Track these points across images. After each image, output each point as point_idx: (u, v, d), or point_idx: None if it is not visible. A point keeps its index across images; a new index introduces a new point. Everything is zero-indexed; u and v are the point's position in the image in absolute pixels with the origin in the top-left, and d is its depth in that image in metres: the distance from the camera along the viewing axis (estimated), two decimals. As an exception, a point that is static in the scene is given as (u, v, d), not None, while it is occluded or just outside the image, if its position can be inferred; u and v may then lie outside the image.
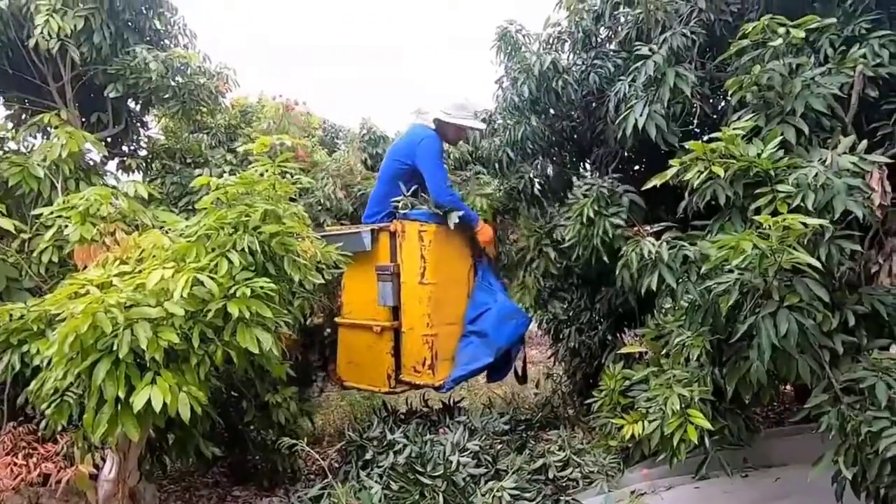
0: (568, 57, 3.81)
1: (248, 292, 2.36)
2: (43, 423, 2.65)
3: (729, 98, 2.80)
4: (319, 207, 4.46)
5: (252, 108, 5.46)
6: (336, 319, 4.07)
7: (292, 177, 2.92)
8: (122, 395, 2.18)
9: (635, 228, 3.08)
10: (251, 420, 3.40)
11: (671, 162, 2.57)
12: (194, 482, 3.73)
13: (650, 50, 3.04)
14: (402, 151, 3.89)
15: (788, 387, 3.93)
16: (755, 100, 2.62)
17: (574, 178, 3.76)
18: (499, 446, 3.34)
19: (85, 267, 2.69)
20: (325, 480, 3.16)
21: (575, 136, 3.98)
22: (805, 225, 2.10)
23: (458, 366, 3.67)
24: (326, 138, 6.57)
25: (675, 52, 3.01)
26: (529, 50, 3.81)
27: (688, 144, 2.51)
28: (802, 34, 2.50)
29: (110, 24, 3.86)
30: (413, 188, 3.80)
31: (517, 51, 3.87)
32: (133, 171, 4.41)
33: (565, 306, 4.41)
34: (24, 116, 4.15)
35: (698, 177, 2.45)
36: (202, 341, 2.33)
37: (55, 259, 2.97)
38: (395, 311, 3.72)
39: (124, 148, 4.60)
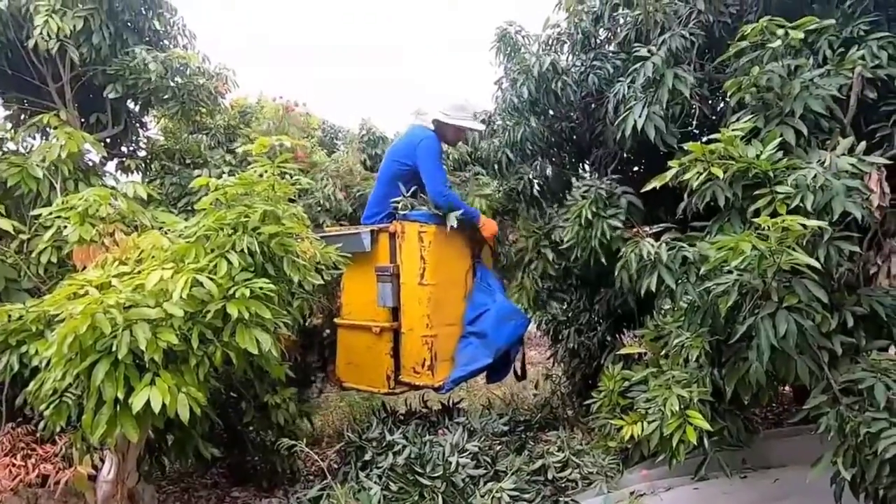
0: (567, 58, 3.81)
1: (248, 293, 2.36)
2: (42, 424, 2.65)
3: (728, 99, 2.81)
4: (319, 208, 4.46)
5: (251, 109, 5.46)
6: (335, 320, 4.07)
7: (291, 178, 2.92)
8: (121, 395, 2.18)
9: (634, 229, 3.09)
10: (250, 421, 3.40)
11: (670, 163, 2.57)
12: (193, 483, 3.72)
13: (649, 51, 3.04)
14: (402, 152, 3.89)
15: (787, 388, 3.93)
16: (754, 101, 2.63)
17: (573, 179, 3.77)
18: (498, 447, 3.34)
19: (84, 268, 2.69)
20: (325, 481, 3.15)
21: (574, 137, 3.99)
22: (804, 226, 2.10)
23: (457, 367, 3.67)
24: (325, 139, 6.57)
25: (673, 54, 3.02)
26: (529, 51, 3.82)
27: (687, 146, 2.51)
28: (801, 35, 2.51)
29: (109, 24, 3.86)
30: (412, 189, 3.80)
31: (516, 52, 3.88)
32: (132, 172, 4.41)
33: (564, 307, 4.42)
34: (23, 117, 4.14)
35: (697, 178, 2.45)
36: (201, 342, 2.33)
37: (54, 260, 2.96)
38: (395, 312, 3.72)
39: (123, 148, 4.60)
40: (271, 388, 3.36)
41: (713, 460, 2.76)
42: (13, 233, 3.05)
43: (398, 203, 3.75)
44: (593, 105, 3.70)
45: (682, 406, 2.52)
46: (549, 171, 3.90)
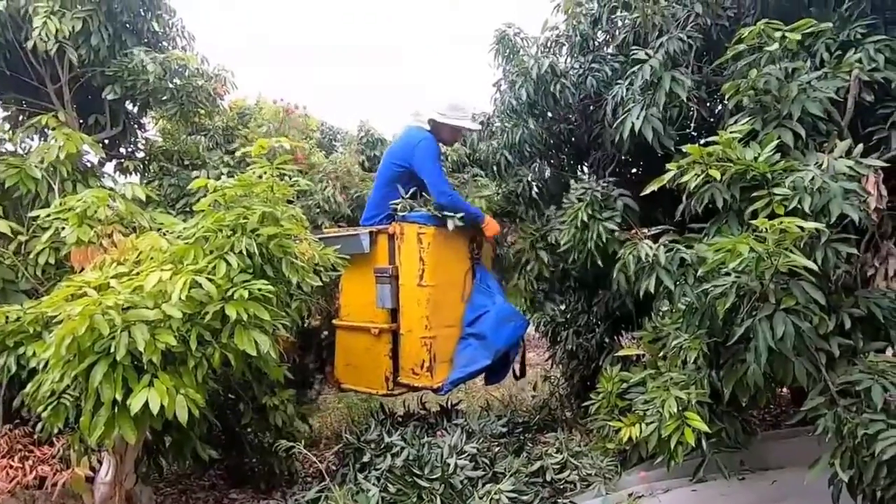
0: (566, 60, 3.83)
1: (246, 294, 2.36)
2: (39, 426, 2.65)
3: (726, 102, 2.82)
4: (318, 210, 4.46)
5: (250, 111, 5.46)
6: (334, 322, 4.07)
7: (290, 179, 2.92)
8: (119, 397, 2.18)
9: (633, 231, 3.09)
10: (248, 422, 3.39)
11: (668, 165, 2.58)
12: (191, 485, 3.72)
13: (647, 54, 3.06)
14: (399, 154, 3.89)
15: (785, 389, 3.94)
16: (752, 104, 2.64)
17: (572, 181, 3.77)
18: (496, 449, 3.34)
19: (82, 269, 2.68)
20: (323, 483, 3.15)
21: (572, 139, 4.00)
22: (801, 228, 2.11)
23: (456, 368, 3.67)
24: (324, 140, 6.57)
25: (671, 57, 3.03)
26: (527, 53, 3.83)
27: (685, 148, 2.52)
28: (798, 38, 2.52)
29: (108, 25, 3.86)
30: (412, 191, 3.80)
31: (515, 54, 3.89)
32: (130, 173, 4.40)
33: (563, 309, 4.42)
34: (21, 118, 4.14)
35: (695, 180, 2.46)
36: (200, 343, 2.33)
37: (52, 261, 2.96)
38: (394, 314, 3.72)
39: (122, 150, 4.60)
40: (269, 389, 3.36)
41: (711, 462, 2.76)
42: (11, 234, 3.04)
43: (397, 205, 3.76)
44: (592, 107, 3.71)
45: (680, 408, 2.53)
46: (547, 173, 3.91)
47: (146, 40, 4.22)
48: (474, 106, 4.05)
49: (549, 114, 3.81)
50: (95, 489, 2.64)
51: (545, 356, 5.03)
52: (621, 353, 3.44)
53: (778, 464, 3.07)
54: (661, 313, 3.04)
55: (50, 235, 2.91)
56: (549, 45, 3.89)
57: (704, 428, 2.47)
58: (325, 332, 4.43)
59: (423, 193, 3.80)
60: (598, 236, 3.19)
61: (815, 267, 2.16)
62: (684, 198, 2.63)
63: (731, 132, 2.46)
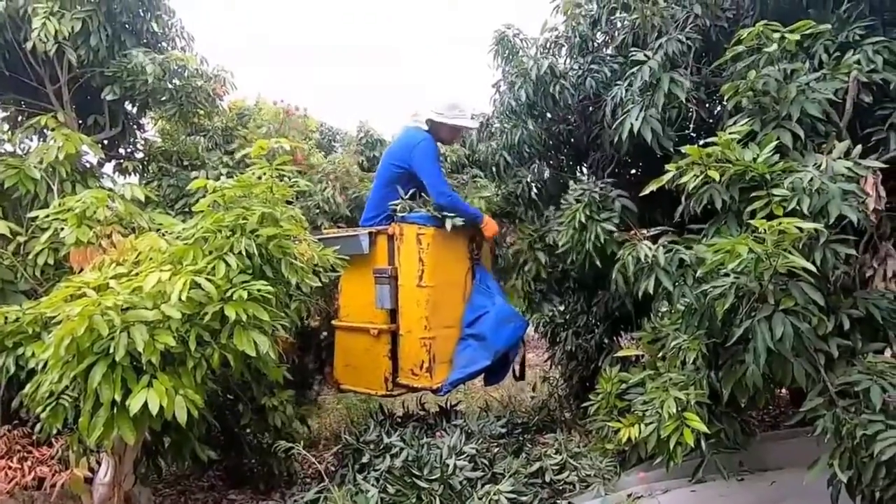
0: (565, 61, 3.83)
1: (246, 295, 2.36)
2: (38, 427, 2.65)
3: (725, 103, 2.82)
4: (317, 210, 4.46)
5: (249, 111, 5.46)
6: (333, 322, 4.07)
7: (290, 180, 2.92)
8: (118, 398, 2.17)
9: (632, 232, 3.10)
10: (247, 423, 3.39)
11: (667, 166, 2.58)
12: (190, 486, 3.71)
13: (646, 55, 3.06)
14: (398, 155, 3.89)
15: (784, 390, 3.94)
16: (751, 105, 2.64)
17: (571, 182, 3.78)
18: (495, 449, 3.34)
19: (81, 270, 2.68)
20: (322, 484, 3.15)
21: (572, 140, 4.00)
22: (800, 229, 2.11)
23: (455, 369, 3.67)
24: (323, 141, 6.58)
25: (670, 58, 3.03)
26: (527, 54, 3.83)
27: (684, 149, 2.52)
28: (797, 39, 2.52)
29: (107, 26, 3.86)
30: (411, 191, 3.80)
31: (514, 55, 3.89)
32: (129, 174, 4.40)
33: (562, 309, 4.42)
34: (20, 118, 4.13)
35: (694, 181, 2.46)
36: (199, 344, 2.33)
37: (51, 262, 2.96)
38: (393, 314, 3.72)
39: (121, 150, 4.59)
40: (269, 390, 3.36)
41: (710, 463, 2.76)
42: (10, 235, 3.04)
43: (396, 205, 3.76)
44: (591, 108, 3.71)
45: (679, 408, 2.53)
46: (546, 174, 3.92)
47: (145, 41, 4.22)
48: (473, 107, 4.05)
49: (549, 115, 3.82)
50: (94, 490, 2.64)
51: (544, 357, 5.03)
52: (620, 353, 3.44)
53: (777, 464, 3.07)
54: (660, 314, 3.04)
55: (49, 236, 2.90)
56: (548, 46, 3.89)
57: (703, 429, 2.47)
58: (325, 333, 4.43)
59: (423, 194, 3.80)
60: (597, 237, 3.19)
61: (813, 268, 2.16)
62: (683, 199, 2.63)
63: (730, 133, 2.46)
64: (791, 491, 2.77)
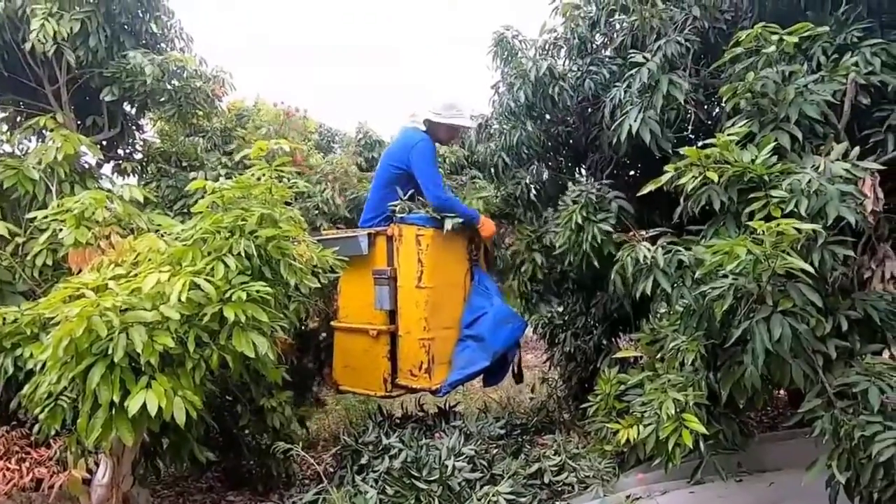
0: (564, 63, 3.84)
1: (244, 296, 2.36)
2: (36, 428, 2.64)
3: (723, 105, 2.82)
4: (316, 211, 4.46)
5: (248, 112, 5.46)
6: (332, 323, 4.07)
7: (289, 181, 2.93)
8: (116, 399, 2.17)
9: (630, 233, 3.10)
10: (246, 424, 3.39)
11: (666, 167, 2.59)
12: (188, 487, 3.71)
13: (644, 57, 3.07)
14: (396, 156, 3.89)
15: (782, 391, 3.94)
16: (749, 106, 2.65)
17: (569, 183, 3.78)
18: (494, 451, 3.34)
19: (80, 270, 2.68)
20: (320, 485, 3.15)
21: (570, 142, 4.00)
22: (798, 230, 2.11)
23: (454, 370, 3.67)
24: (322, 142, 6.57)
25: (669, 60, 3.04)
26: (525, 56, 3.83)
27: (682, 150, 2.53)
28: (795, 42, 2.53)
29: (106, 27, 3.86)
30: (410, 192, 3.80)
31: (513, 56, 3.90)
32: (128, 175, 4.40)
33: (561, 310, 4.43)
34: (19, 119, 4.13)
35: (693, 182, 2.46)
36: (198, 345, 2.33)
37: (49, 262, 2.96)
38: (392, 315, 3.72)
39: (120, 151, 4.59)
40: (267, 391, 3.35)
41: (709, 464, 2.76)
42: (8, 236, 3.04)
43: (395, 206, 3.76)
44: (590, 110, 3.72)
45: (677, 409, 2.53)
46: (545, 176, 3.92)
47: (144, 42, 4.22)
48: (472, 107, 4.06)
49: (547, 116, 3.82)
50: (92, 491, 2.63)
51: (543, 358, 5.04)
52: (619, 354, 3.44)
53: (775, 465, 3.07)
54: (658, 315, 3.05)
55: (47, 237, 2.90)
56: (547, 47, 3.89)
57: (702, 430, 2.47)
58: (324, 334, 4.43)
59: (421, 196, 3.80)
60: (593, 238, 3.20)
61: (811, 269, 2.16)
62: (682, 200, 2.64)
63: (728, 135, 2.47)
64: (789, 492, 2.77)
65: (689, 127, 3.10)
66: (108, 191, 3.30)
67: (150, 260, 2.52)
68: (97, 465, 2.65)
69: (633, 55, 3.13)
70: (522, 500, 2.97)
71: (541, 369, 5.11)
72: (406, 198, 3.77)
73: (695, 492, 2.94)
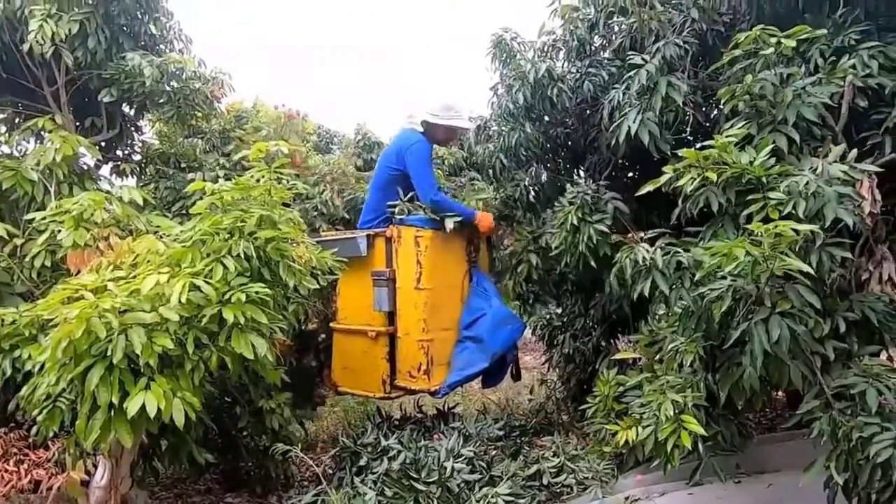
0: (562, 65, 3.84)
1: (244, 298, 2.36)
2: (34, 429, 2.63)
3: (721, 107, 2.83)
4: (315, 213, 4.46)
5: (247, 113, 5.46)
6: (331, 325, 4.07)
7: (288, 182, 2.93)
8: (115, 400, 2.17)
9: (629, 235, 3.11)
10: (245, 426, 3.38)
11: (665, 168, 2.60)
12: (187, 489, 3.70)
13: (643, 59, 3.07)
14: (394, 157, 3.90)
15: (780, 393, 3.95)
16: (747, 108, 2.66)
17: (568, 185, 3.79)
18: (493, 452, 3.34)
19: (78, 272, 2.67)
20: (319, 487, 3.14)
21: (569, 143, 4.01)
22: (796, 232, 2.12)
23: (453, 371, 3.67)
24: (321, 143, 6.57)
25: (668, 62, 3.05)
26: (524, 58, 3.84)
27: (681, 152, 2.54)
28: (793, 44, 2.54)
29: (105, 28, 3.86)
30: (409, 194, 3.80)
31: (512, 58, 3.90)
32: (127, 176, 4.40)
33: (559, 312, 4.43)
34: (17, 120, 4.13)
35: (691, 183, 2.47)
36: (197, 347, 2.32)
37: (48, 264, 2.95)
38: (391, 317, 3.72)
39: (118, 152, 4.59)
40: (266, 392, 3.35)
41: (707, 465, 2.77)
42: (7, 237, 3.03)
43: (394, 208, 3.76)
44: (588, 111, 3.73)
45: (676, 411, 2.53)
46: (544, 177, 3.92)
47: (143, 43, 4.22)
48: (471, 109, 4.06)
49: (546, 118, 3.83)
50: (91, 493, 2.63)
51: (542, 359, 5.04)
52: (618, 356, 3.44)
53: (774, 467, 3.08)
54: (657, 317, 3.05)
55: (46, 238, 2.90)
56: (546, 49, 3.90)
57: (701, 431, 2.48)
58: (323, 336, 4.43)
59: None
60: (589, 238, 3.22)
61: (810, 271, 2.17)
62: (680, 201, 2.64)
63: (726, 136, 2.48)
64: (788, 493, 2.78)
65: (688, 129, 3.11)
66: (107, 192, 3.29)
67: (148, 261, 2.52)
68: (95, 466, 2.65)
69: (631, 57, 3.13)
70: (521, 501, 2.97)
71: (539, 371, 5.11)
72: (405, 199, 3.77)
73: (693, 493, 2.95)
